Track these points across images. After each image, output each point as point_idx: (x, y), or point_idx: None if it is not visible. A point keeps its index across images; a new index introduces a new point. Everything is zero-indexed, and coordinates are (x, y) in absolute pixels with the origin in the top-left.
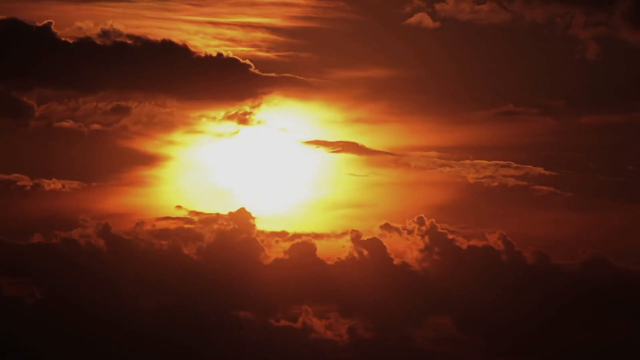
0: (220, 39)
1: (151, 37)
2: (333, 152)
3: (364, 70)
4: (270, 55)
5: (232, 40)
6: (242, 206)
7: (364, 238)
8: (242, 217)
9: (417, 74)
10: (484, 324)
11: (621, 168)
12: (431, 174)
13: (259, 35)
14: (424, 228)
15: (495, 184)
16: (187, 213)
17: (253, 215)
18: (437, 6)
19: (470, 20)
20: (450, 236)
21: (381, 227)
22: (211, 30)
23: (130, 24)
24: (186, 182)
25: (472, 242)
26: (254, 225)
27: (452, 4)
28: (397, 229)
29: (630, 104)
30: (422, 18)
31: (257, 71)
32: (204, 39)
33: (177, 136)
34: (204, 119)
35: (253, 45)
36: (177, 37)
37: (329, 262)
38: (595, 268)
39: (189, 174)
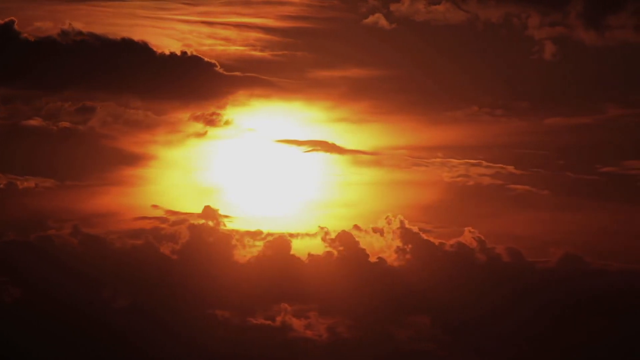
0: (215, 38)
1: (111, 36)
2: (306, 151)
3: (345, 70)
4: (265, 54)
5: (226, 39)
6: (207, 204)
7: (339, 237)
8: (209, 216)
9: (385, 75)
10: (461, 323)
11: (590, 167)
12: (406, 173)
13: (253, 34)
14: (398, 227)
15: (471, 183)
16: (163, 212)
17: (220, 213)
18: (392, 7)
19: (427, 20)
20: (425, 235)
21: (356, 226)
22: (205, 29)
23: (123, 22)
24: (164, 182)
25: (448, 241)
26: (219, 223)
27: (408, 5)
28: (372, 229)
29: (593, 105)
30: (378, 19)
31: (222, 70)
32: (199, 38)
33: (147, 135)
34: (172, 118)
35: (247, 45)
36: (172, 36)
37: (304, 259)
38: (569, 266)
39: (167, 173)
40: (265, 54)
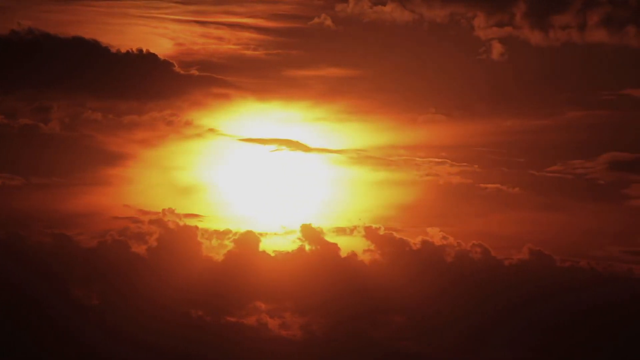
0: (208, 37)
1: (61, 35)
2: (273, 151)
3: (320, 70)
4: (258, 53)
5: (220, 38)
6: (169, 206)
7: (309, 234)
8: (168, 216)
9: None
10: (434, 320)
11: (550, 165)
12: (376, 172)
13: (247, 34)
14: (368, 226)
15: (441, 182)
16: (134, 212)
17: (177, 213)
18: (338, 7)
19: (373, 21)
20: (396, 234)
21: (326, 226)
22: (198, 29)
23: (115, 21)
24: (136, 181)
25: (419, 240)
26: (177, 223)
27: (353, 5)
28: (342, 228)
29: (545, 105)
30: (324, 19)
31: (179, 70)
32: (191, 37)
33: (107, 136)
34: (129, 119)
35: (240, 44)
36: (165, 35)
37: (274, 257)
38: (537, 263)
39: (137, 172)
40: (259, 53)
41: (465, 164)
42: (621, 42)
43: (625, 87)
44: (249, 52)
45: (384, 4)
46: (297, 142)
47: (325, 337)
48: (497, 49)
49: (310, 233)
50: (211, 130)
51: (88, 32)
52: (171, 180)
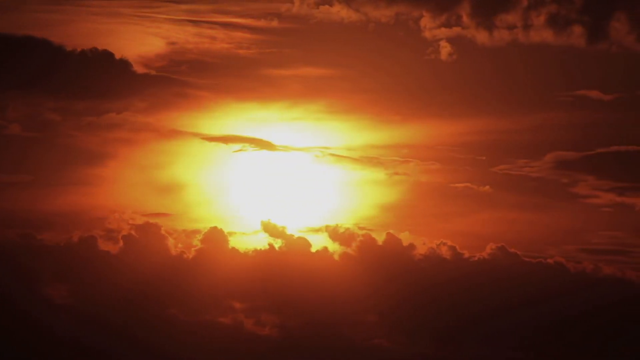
0: (201, 37)
1: (11, 34)
2: (236, 151)
3: (297, 69)
4: (251, 52)
5: (213, 38)
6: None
7: (279, 236)
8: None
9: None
10: (406, 319)
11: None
12: (342, 172)
13: (240, 33)
14: (339, 227)
15: (411, 181)
16: (102, 211)
17: (147, 212)
18: (283, 7)
19: (320, 20)
20: (366, 234)
21: (294, 225)
22: (191, 28)
23: (107, 20)
24: (105, 181)
25: (389, 239)
26: (126, 222)
27: (299, 5)
28: (315, 229)
29: (503, 106)
30: (270, 20)
31: (136, 69)
32: (184, 36)
33: (64, 137)
34: (91, 119)
35: (234, 43)
36: (158, 34)
37: (247, 255)
38: (502, 260)
39: (110, 172)
40: (252, 51)
41: (433, 162)
42: (567, 42)
43: (581, 88)
44: (242, 51)
45: (330, 4)
46: (262, 140)
47: (301, 335)
48: (445, 49)
49: (275, 231)
50: (173, 130)
51: (81, 32)
52: (141, 179)
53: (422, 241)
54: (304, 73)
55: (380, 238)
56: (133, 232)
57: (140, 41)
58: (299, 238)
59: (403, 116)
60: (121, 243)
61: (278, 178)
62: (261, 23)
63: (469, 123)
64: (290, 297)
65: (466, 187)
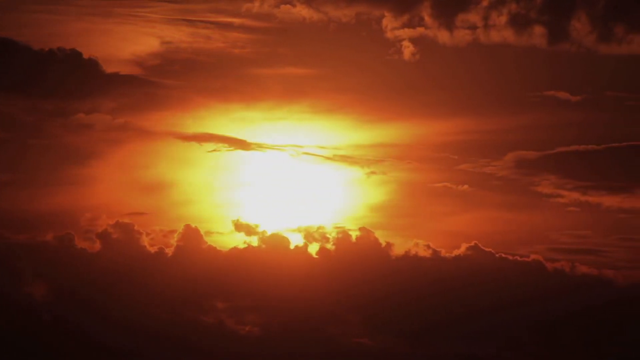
0: (195, 36)
1: None
2: (211, 151)
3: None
4: (246, 51)
5: (207, 37)
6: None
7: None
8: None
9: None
10: (387, 317)
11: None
12: (314, 171)
13: (234, 32)
14: (313, 227)
15: (390, 180)
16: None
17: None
18: (244, 7)
19: (282, 20)
20: (346, 235)
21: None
22: (186, 28)
23: (100, 20)
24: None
25: (362, 235)
26: (104, 221)
27: (259, 5)
28: (291, 229)
29: (470, 106)
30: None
31: (104, 69)
32: (178, 35)
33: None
34: (59, 119)
35: (228, 42)
36: (152, 34)
37: (220, 251)
38: (473, 258)
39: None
40: (246, 50)
41: (407, 161)
42: (528, 43)
43: (548, 89)
44: (237, 51)
45: (292, 5)
46: (237, 139)
47: (283, 334)
48: (408, 49)
49: (249, 230)
50: (141, 130)
51: (74, 31)
52: (118, 179)
53: (399, 240)
54: (257, 73)
55: (355, 234)
56: (110, 231)
57: (133, 40)
58: (276, 235)
59: (374, 116)
60: (98, 242)
61: (257, 178)
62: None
63: (434, 123)
64: (269, 295)
65: (444, 187)
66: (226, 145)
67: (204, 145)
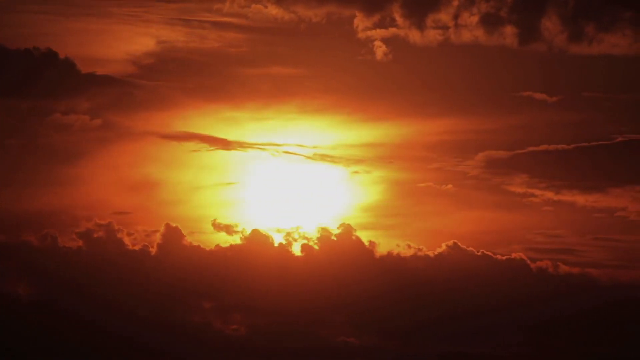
0: (191, 35)
1: None
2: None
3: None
4: (242, 49)
5: (203, 37)
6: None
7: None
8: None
9: None
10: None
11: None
12: (298, 171)
13: (229, 31)
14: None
15: (374, 180)
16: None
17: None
18: (216, 6)
19: (253, 19)
20: (328, 234)
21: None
22: (182, 27)
23: (96, 20)
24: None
25: (344, 236)
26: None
27: (229, 4)
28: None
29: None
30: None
31: (80, 69)
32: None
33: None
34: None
35: (222, 41)
36: (148, 34)
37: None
38: (454, 256)
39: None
40: (243, 49)
41: (390, 160)
42: (499, 43)
43: (525, 89)
44: (233, 50)
45: (264, 5)
46: (217, 138)
47: (270, 333)
48: (380, 49)
49: (230, 230)
50: (120, 130)
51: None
52: (103, 179)
53: (383, 240)
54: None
55: (336, 233)
56: (93, 230)
57: (129, 40)
58: (258, 233)
59: (351, 117)
60: (80, 242)
61: (241, 177)
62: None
63: (413, 124)
64: (253, 293)
65: (428, 186)
66: (207, 145)
67: (184, 144)
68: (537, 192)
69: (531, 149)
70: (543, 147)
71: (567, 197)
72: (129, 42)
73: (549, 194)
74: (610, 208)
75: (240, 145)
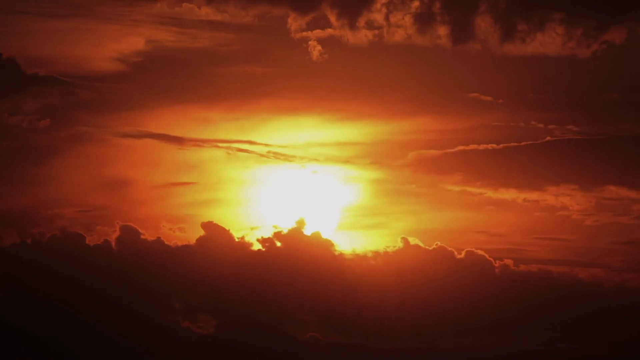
0: (183, 34)
1: None
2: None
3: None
4: (235, 48)
5: (194, 36)
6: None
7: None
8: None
9: None
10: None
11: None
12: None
13: (223, 30)
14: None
15: (358, 180)
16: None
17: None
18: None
19: (180, 20)
20: (297, 232)
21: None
22: (174, 28)
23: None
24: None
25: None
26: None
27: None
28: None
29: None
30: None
31: (25, 69)
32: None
33: None
34: None
35: (216, 41)
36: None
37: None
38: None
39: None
40: (236, 48)
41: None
42: (432, 43)
43: (473, 91)
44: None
45: (198, 6)
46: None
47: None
48: (316, 49)
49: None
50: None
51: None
52: (69, 179)
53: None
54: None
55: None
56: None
57: (118, 39)
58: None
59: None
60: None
61: (202, 177)
62: None
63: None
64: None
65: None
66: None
67: (136, 141)
68: (474, 190)
69: (461, 148)
70: (472, 146)
71: (506, 196)
72: (118, 40)
73: (489, 193)
74: (552, 207)
75: (195, 143)
